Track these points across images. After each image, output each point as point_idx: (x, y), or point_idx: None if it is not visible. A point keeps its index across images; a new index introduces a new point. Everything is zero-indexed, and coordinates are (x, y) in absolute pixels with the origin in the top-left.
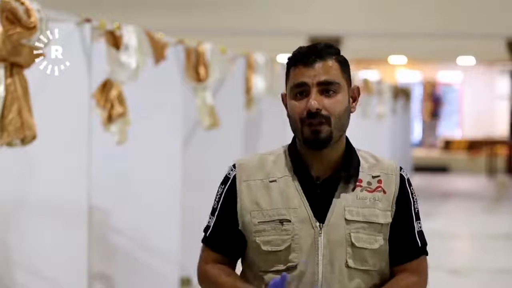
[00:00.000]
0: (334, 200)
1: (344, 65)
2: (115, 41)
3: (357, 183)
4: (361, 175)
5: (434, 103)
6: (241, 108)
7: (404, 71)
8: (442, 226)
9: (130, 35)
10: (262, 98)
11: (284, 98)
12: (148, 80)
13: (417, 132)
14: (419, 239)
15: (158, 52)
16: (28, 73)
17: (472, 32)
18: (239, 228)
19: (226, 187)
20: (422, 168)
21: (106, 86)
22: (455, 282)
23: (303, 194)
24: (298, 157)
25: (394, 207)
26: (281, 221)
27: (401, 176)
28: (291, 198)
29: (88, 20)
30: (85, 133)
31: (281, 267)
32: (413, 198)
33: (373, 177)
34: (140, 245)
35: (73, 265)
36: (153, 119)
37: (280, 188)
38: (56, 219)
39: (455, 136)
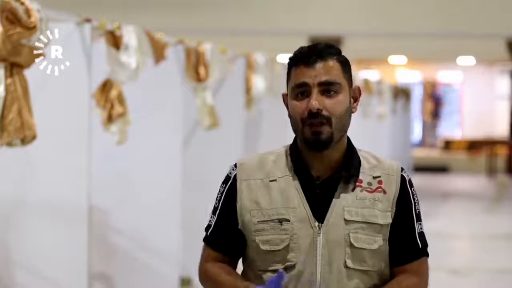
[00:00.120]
0: (334, 200)
1: (345, 65)
2: (115, 41)
3: (357, 184)
4: (361, 176)
5: (434, 103)
6: (241, 108)
7: (404, 71)
8: (442, 226)
9: (130, 35)
10: (262, 98)
11: (285, 98)
12: (148, 80)
13: (417, 132)
14: (420, 240)
15: (158, 52)
16: (28, 73)
17: (472, 32)
18: (239, 227)
19: (227, 186)
20: (422, 168)
21: (106, 86)
22: (455, 282)
23: (302, 194)
24: (298, 156)
25: (395, 208)
26: (280, 221)
27: (402, 177)
28: (291, 197)
29: (88, 20)
30: (85, 133)
31: (280, 266)
32: (414, 199)
33: (374, 177)
34: (140, 245)
35: (73, 265)
36: (153, 119)
37: (280, 188)
38: (56, 219)
39: (455, 136)
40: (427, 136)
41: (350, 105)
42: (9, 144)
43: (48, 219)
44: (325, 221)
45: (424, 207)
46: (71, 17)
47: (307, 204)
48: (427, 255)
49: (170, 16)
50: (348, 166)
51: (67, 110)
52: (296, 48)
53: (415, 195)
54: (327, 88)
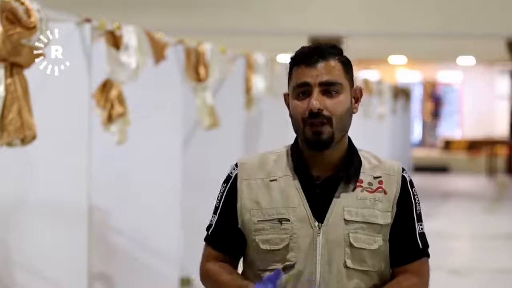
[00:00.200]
0: (334, 200)
1: (346, 65)
2: (115, 41)
3: (358, 184)
4: (362, 176)
5: (434, 103)
6: (241, 108)
7: (404, 71)
8: (442, 226)
9: (130, 35)
10: (262, 98)
11: (286, 98)
12: (148, 80)
13: (417, 132)
14: (420, 240)
15: (158, 52)
16: (28, 73)
17: (472, 32)
18: (239, 226)
19: (228, 186)
20: (422, 168)
21: (106, 86)
22: (455, 282)
23: (302, 194)
24: (299, 156)
25: (395, 208)
26: (280, 220)
27: (403, 177)
28: (291, 197)
29: (88, 20)
30: (85, 133)
31: (279, 266)
32: (414, 199)
33: (375, 177)
34: (140, 245)
35: (73, 265)
36: (153, 119)
37: (281, 187)
38: (56, 219)
39: (455, 136)
40: (427, 136)
41: (351, 106)
42: (9, 144)
43: (48, 219)
44: (325, 221)
45: (424, 207)
46: (71, 17)
47: (307, 204)
48: (427, 255)
49: (170, 16)
50: (349, 166)
51: (67, 110)
52: (296, 48)
53: (416, 196)
54: (328, 88)
